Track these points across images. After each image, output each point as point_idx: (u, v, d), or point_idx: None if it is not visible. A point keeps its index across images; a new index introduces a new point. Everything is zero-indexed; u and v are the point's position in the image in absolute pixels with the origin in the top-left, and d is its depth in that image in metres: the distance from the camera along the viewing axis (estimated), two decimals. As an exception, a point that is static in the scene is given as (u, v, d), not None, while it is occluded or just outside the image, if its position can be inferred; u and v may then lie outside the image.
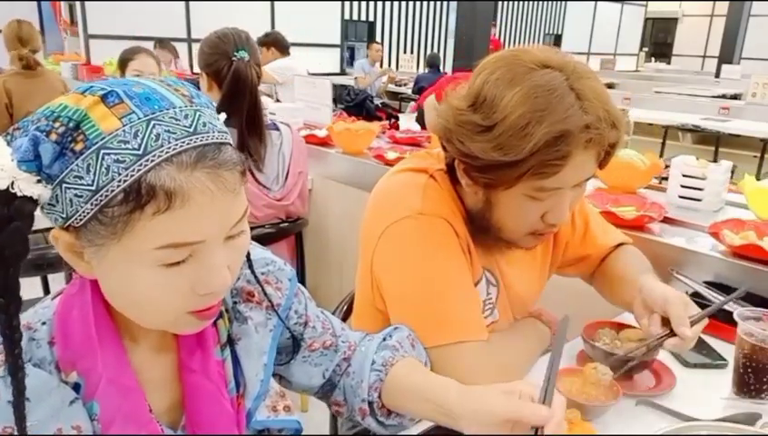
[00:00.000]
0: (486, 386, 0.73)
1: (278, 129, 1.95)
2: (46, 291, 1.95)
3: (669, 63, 16.37)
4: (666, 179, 1.90)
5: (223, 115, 0.61)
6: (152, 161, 0.52)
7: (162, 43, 6.31)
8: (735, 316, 0.98)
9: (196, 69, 1.99)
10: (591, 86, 0.85)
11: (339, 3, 9.48)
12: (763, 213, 1.55)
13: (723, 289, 1.22)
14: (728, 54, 12.58)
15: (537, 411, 0.66)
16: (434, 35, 11.65)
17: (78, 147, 0.52)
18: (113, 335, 0.62)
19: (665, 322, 0.94)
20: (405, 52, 11.11)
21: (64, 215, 0.54)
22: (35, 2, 8.33)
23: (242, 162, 0.58)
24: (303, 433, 0.80)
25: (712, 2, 16.09)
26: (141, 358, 0.64)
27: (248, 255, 0.70)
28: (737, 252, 1.35)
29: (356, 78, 7.69)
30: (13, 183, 0.51)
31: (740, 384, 0.98)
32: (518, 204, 0.92)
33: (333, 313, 1.21)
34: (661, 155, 1.88)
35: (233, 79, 1.78)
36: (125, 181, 0.51)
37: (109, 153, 0.51)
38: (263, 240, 1.74)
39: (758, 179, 1.64)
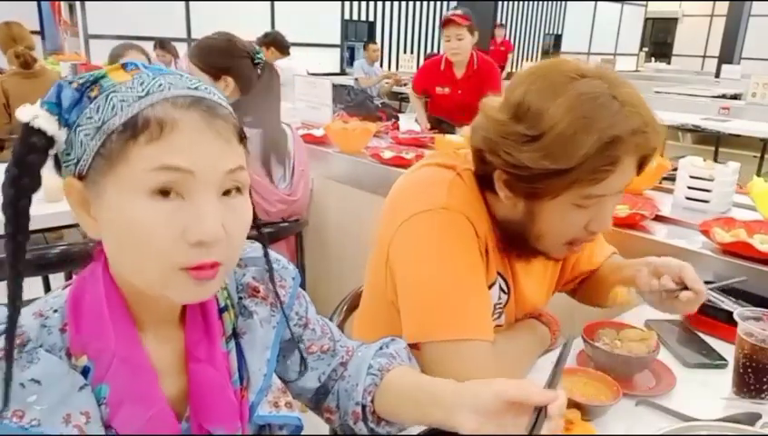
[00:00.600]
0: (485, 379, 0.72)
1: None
2: (47, 291, 1.95)
3: (669, 63, 16.37)
4: (668, 179, 1.89)
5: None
6: (152, 100, 0.57)
7: (162, 43, 6.31)
8: (735, 316, 0.98)
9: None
10: (630, 93, 0.87)
11: (339, 3, 9.49)
12: (772, 216, 1.55)
13: (741, 296, 1.22)
14: (728, 54, 12.59)
15: (544, 391, 0.65)
16: (434, 35, 11.64)
17: (93, 94, 0.58)
18: (125, 317, 0.63)
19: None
20: (405, 52, 11.11)
21: (75, 160, 0.58)
22: (35, 2, 8.33)
23: (238, 123, 0.63)
24: (303, 433, 0.80)
25: (712, 2, 16.10)
26: (149, 347, 0.65)
27: (267, 257, 0.75)
28: (727, 249, 1.36)
29: (356, 79, 7.69)
30: (35, 119, 0.57)
31: (740, 384, 0.98)
32: (563, 214, 0.93)
33: (333, 313, 1.22)
34: (660, 155, 1.88)
35: (267, 80, 1.82)
36: (126, 115, 0.56)
37: (116, 95, 0.57)
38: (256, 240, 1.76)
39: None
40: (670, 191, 1.83)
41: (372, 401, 0.81)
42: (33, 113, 0.57)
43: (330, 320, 0.91)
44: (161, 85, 0.58)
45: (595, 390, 0.93)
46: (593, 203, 0.91)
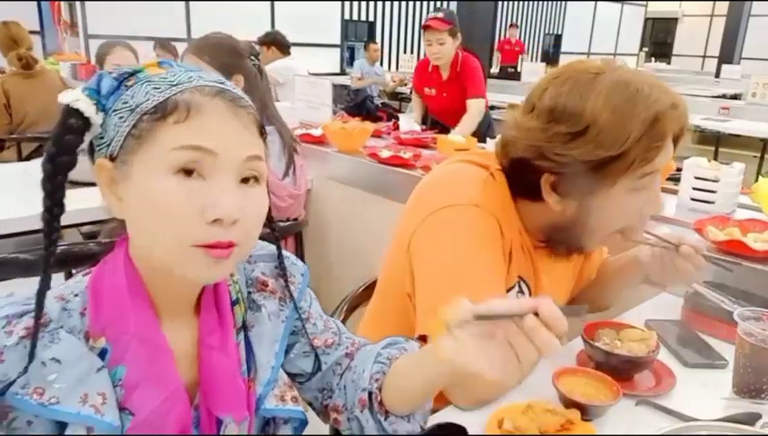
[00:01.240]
0: None
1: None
2: (46, 291, 1.95)
3: (669, 63, 16.35)
4: (672, 179, 1.88)
5: None
6: (181, 87, 0.62)
7: (162, 43, 6.31)
8: (735, 316, 0.98)
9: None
10: (650, 78, 0.94)
11: (339, 3, 9.48)
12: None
13: (741, 296, 1.22)
14: (728, 54, 12.60)
15: (532, 300, 0.65)
16: (434, 36, 11.65)
17: (130, 83, 0.64)
18: (144, 300, 0.65)
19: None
20: (405, 52, 11.11)
21: (107, 142, 0.63)
22: (35, 2, 8.33)
23: (258, 116, 0.67)
24: (303, 434, 0.80)
25: (712, 2, 16.09)
26: (172, 328, 0.67)
27: (279, 251, 0.79)
28: (720, 247, 1.37)
29: (351, 77, 7.69)
30: (76, 101, 0.62)
31: (740, 384, 0.98)
32: (620, 202, 0.96)
33: (333, 313, 1.22)
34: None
35: (266, 81, 1.85)
36: (157, 99, 0.61)
37: (150, 84, 0.63)
38: (264, 240, 1.77)
39: (757, 179, 1.64)
40: (674, 192, 1.81)
41: (380, 390, 0.79)
42: (74, 97, 0.63)
43: (330, 319, 0.91)
44: (190, 78, 0.64)
45: (595, 390, 0.93)
46: (645, 185, 0.95)
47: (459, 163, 1.09)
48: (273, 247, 0.81)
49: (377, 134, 2.83)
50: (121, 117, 0.62)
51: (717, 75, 10.31)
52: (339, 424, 0.83)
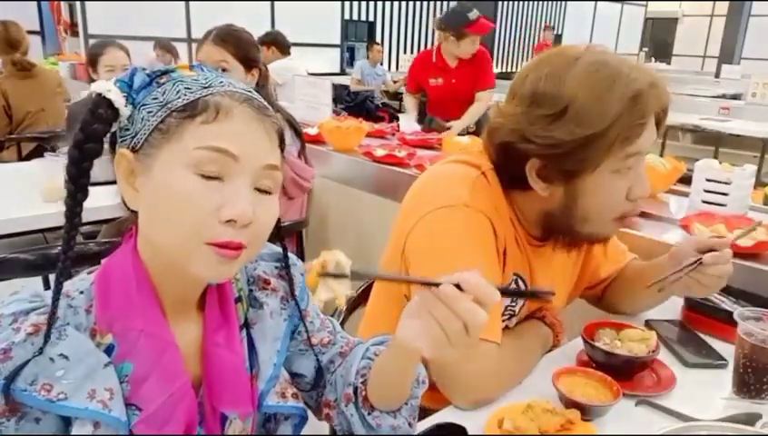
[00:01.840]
0: None
1: None
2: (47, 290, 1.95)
3: (669, 63, 16.32)
4: (682, 181, 1.86)
5: None
6: (212, 90, 0.64)
7: (163, 43, 6.30)
8: (735, 316, 0.98)
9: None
10: (628, 59, 0.94)
11: (339, 3, 9.47)
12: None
13: (741, 296, 1.23)
14: (728, 54, 12.59)
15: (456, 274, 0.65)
16: (434, 35, 11.64)
17: (162, 80, 0.65)
18: (151, 295, 0.66)
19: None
20: (405, 52, 11.11)
21: (132, 134, 0.64)
22: (35, 2, 8.33)
23: (281, 127, 0.68)
24: (303, 433, 0.80)
25: (712, 2, 16.08)
26: (180, 325, 0.68)
27: (284, 252, 0.80)
28: None
29: (351, 79, 7.69)
30: (108, 91, 0.63)
31: (740, 384, 0.98)
32: (606, 185, 0.95)
33: (333, 313, 1.22)
34: (661, 155, 1.86)
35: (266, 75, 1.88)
36: (189, 98, 0.63)
37: (182, 83, 0.64)
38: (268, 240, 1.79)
39: (758, 179, 1.64)
40: (685, 194, 1.79)
41: (364, 384, 0.79)
42: (106, 87, 0.63)
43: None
44: (222, 82, 0.65)
45: (595, 390, 0.93)
46: (630, 166, 0.94)
47: (451, 163, 1.10)
48: (274, 246, 0.82)
49: (380, 135, 2.83)
50: (150, 111, 0.63)
51: (717, 75, 10.30)
52: (332, 420, 0.84)
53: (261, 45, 4.39)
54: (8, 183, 2.28)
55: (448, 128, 3.25)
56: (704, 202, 1.67)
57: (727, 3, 13.26)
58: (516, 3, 12.69)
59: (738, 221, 1.46)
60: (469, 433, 0.80)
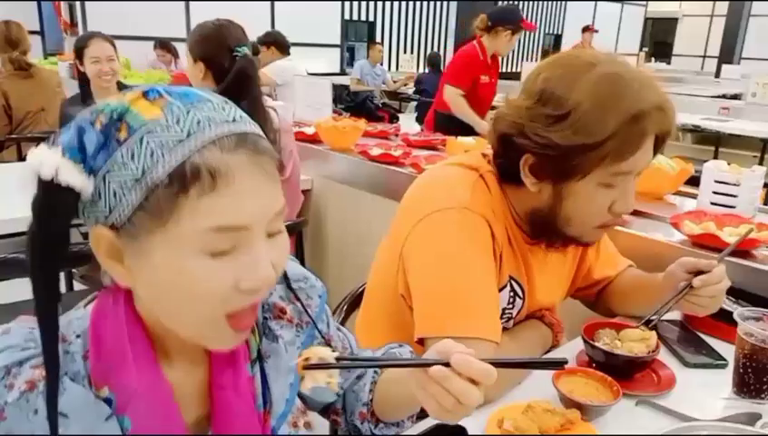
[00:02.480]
0: None
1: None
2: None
3: (669, 63, 16.33)
4: (689, 183, 1.85)
5: None
6: (196, 144, 0.52)
7: (162, 43, 6.30)
8: (735, 316, 0.98)
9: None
10: (644, 74, 0.93)
11: (339, 3, 9.47)
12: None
13: (741, 296, 1.23)
14: (728, 54, 12.60)
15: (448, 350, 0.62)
16: (434, 35, 11.64)
17: (122, 136, 0.52)
18: (146, 349, 0.60)
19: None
20: (405, 52, 11.11)
21: (107, 211, 0.53)
22: (35, 2, 8.33)
23: (277, 156, 0.59)
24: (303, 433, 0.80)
25: (712, 2, 16.08)
26: (172, 375, 0.62)
27: (289, 285, 0.74)
28: (695, 241, 1.39)
29: (350, 79, 7.70)
30: (58, 175, 0.50)
31: (740, 384, 0.98)
32: (590, 194, 0.95)
33: (333, 313, 1.22)
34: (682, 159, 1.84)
35: (237, 77, 1.78)
36: (170, 164, 0.51)
37: (153, 138, 0.52)
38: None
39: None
40: (693, 196, 1.78)
41: (372, 400, 0.81)
42: (52, 164, 0.50)
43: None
44: (200, 123, 0.53)
45: (595, 390, 0.93)
46: (619, 182, 0.95)
47: (449, 166, 1.10)
48: (294, 263, 0.78)
49: (383, 136, 2.83)
50: (123, 185, 0.52)
51: (717, 75, 10.31)
52: (339, 425, 0.85)
53: (261, 45, 4.40)
54: (8, 183, 2.28)
55: None
56: (713, 203, 1.65)
57: (727, 3, 13.26)
58: (515, 3, 12.69)
59: (729, 219, 1.47)
60: (469, 433, 0.80)
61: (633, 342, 1.02)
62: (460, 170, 1.07)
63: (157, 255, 0.54)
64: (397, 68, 10.50)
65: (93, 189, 0.53)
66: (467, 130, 3.28)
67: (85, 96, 2.76)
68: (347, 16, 9.84)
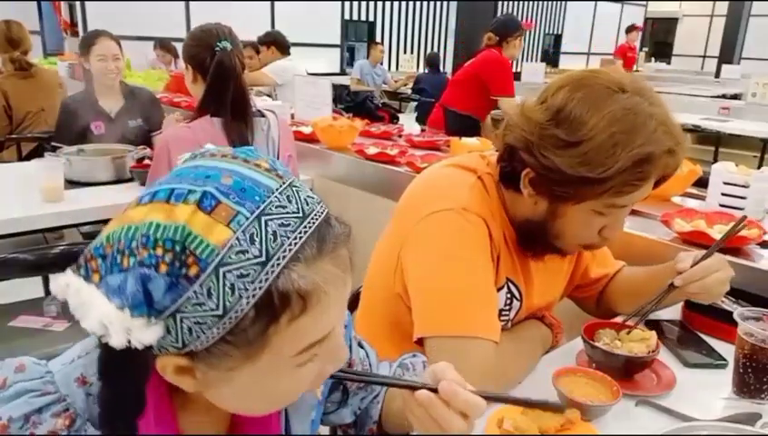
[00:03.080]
0: None
1: (263, 115, 1.97)
2: (47, 291, 1.95)
3: (669, 63, 16.33)
4: (697, 184, 1.84)
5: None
6: (279, 264, 0.46)
7: (163, 43, 6.30)
8: (735, 316, 0.98)
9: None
10: (665, 113, 0.91)
11: (339, 3, 9.48)
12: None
13: (741, 296, 1.23)
14: (728, 54, 12.58)
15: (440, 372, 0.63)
16: (434, 35, 11.64)
17: (192, 272, 0.45)
18: (164, 399, 0.56)
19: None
20: (405, 52, 11.11)
21: (179, 345, 0.47)
22: (35, 2, 8.33)
23: (348, 229, 0.54)
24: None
25: (712, 2, 16.08)
26: (191, 419, 0.59)
27: None
28: (685, 238, 1.40)
29: (350, 79, 7.70)
30: (131, 338, 0.45)
31: (740, 384, 0.98)
32: (583, 218, 0.97)
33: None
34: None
35: (216, 69, 1.79)
36: (255, 295, 0.46)
37: (230, 270, 0.45)
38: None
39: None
40: (701, 197, 1.77)
41: (380, 416, 0.82)
42: (121, 329, 0.44)
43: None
44: (276, 236, 0.47)
45: (595, 390, 0.93)
46: (612, 212, 0.96)
47: (447, 167, 1.10)
48: None
49: (386, 136, 2.82)
50: (200, 322, 0.46)
51: (717, 75, 10.30)
52: (345, 430, 0.86)
53: (261, 45, 4.40)
54: (8, 183, 2.28)
55: None
56: (722, 205, 1.64)
57: (727, 3, 13.25)
58: (516, 3, 12.68)
59: (719, 217, 1.47)
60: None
61: (633, 342, 1.02)
62: (458, 171, 1.07)
63: (242, 379, 0.50)
64: (397, 68, 10.50)
65: (163, 327, 0.47)
66: (478, 127, 3.35)
67: (88, 93, 2.77)
68: (347, 16, 9.85)
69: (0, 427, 0.50)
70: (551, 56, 13.54)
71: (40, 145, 3.24)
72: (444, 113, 3.67)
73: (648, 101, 0.90)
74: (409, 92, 8.01)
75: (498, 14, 11.99)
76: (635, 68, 9.66)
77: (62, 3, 7.95)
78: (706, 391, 1.00)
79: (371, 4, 10.49)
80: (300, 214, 0.49)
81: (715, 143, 5.25)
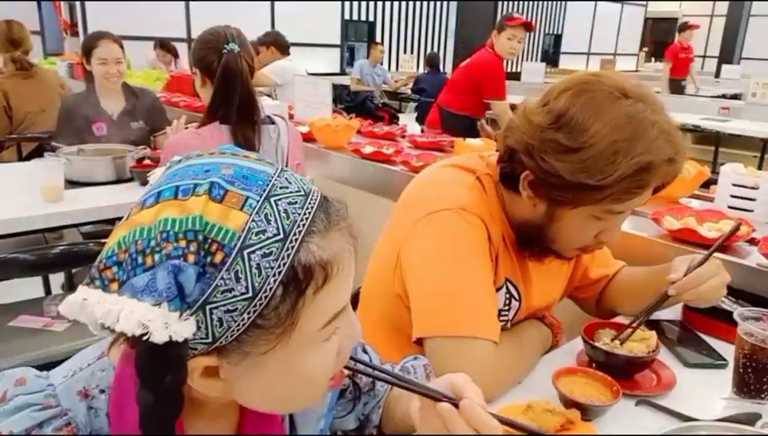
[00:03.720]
0: None
1: (273, 122, 1.95)
2: (47, 291, 1.95)
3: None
4: (705, 186, 1.84)
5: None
6: (296, 239, 0.48)
7: (163, 43, 6.31)
8: (735, 316, 0.98)
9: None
10: (667, 120, 0.90)
11: (339, 3, 9.48)
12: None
13: (741, 296, 1.23)
14: (728, 54, 12.59)
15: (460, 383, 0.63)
16: (434, 35, 11.64)
17: (218, 258, 0.46)
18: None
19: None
20: (405, 52, 11.11)
21: (209, 339, 0.47)
22: (35, 2, 8.33)
23: (343, 205, 0.56)
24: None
25: (712, 2, 16.08)
26: (199, 426, 0.58)
27: None
28: (675, 236, 1.41)
29: (350, 79, 7.71)
30: (171, 332, 0.44)
31: (740, 384, 0.98)
32: (581, 223, 0.97)
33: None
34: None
35: (223, 71, 1.77)
36: (280, 272, 0.47)
37: (253, 251, 0.46)
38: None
39: (758, 179, 1.63)
40: (710, 199, 1.76)
41: (380, 419, 0.82)
42: (163, 324, 0.44)
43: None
44: (288, 214, 0.48)
45: (595, 390, 0.93)
46: (610, 217, 0.96)
47: (445, 167, 1.11)
48: None
49: (389, 137, 2.82)
50: (231, 309, 0.46)
51: (717, 75, 10.30)
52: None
53: (261, 46, 4.40)
54: (8, 183, 2.28)
55: None
56: (731, 207, 1.63)
57: (727, 3, 13.25)
58: (516, 3, 12.69)
59: (709, 214, 1.48)
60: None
61: (633, 342, 1.02)
62: (457, 171, 1.07)
63: (272, 362, 0.50)
64: (397, 68, 10.51)
65: (194, 324, 0.46)
66: (475, 127, 3.34)
67: (90, 94, 2.76)
68: (347, 16, 9.85)
69: None
70: (551, 56, 13.54)
71: (40, 145, 3.24)
72: (440, 112, 3.68)
73: (651, 108, 0.90)
74: (409, 92, 8.01)
75: (498, 14, 12.03)
76: (690, 73, 7.82)
77: (62, 3, 7.96)
78: (706, 391, 1.00)
79: (371, 4, 10.50)
80: (303, 193, 0.51)
81: (715, 143, 5.26)
